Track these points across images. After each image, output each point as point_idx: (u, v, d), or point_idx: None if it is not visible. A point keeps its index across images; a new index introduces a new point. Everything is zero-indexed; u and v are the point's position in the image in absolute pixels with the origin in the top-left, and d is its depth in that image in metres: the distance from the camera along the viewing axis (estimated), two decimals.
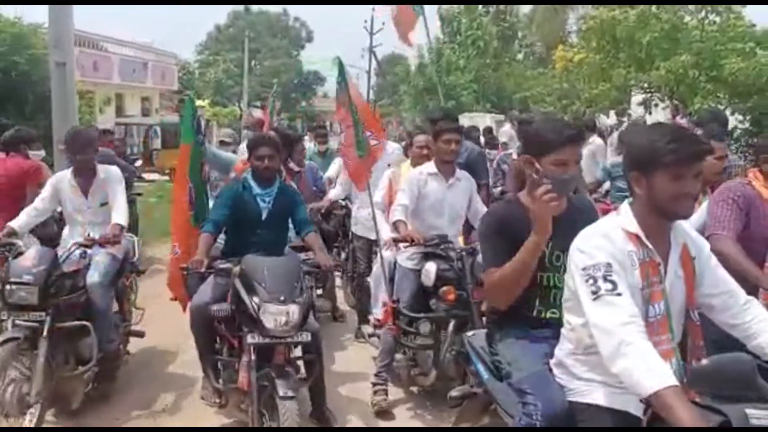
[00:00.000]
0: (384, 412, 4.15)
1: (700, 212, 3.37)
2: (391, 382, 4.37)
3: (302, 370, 3.65)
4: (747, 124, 9.42)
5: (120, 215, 4.05)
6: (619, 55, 9.72)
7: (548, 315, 2.44)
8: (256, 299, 3.26)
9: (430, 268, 4.06)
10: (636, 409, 1.99)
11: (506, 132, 13.49)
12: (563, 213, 2.42)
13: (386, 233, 4.42)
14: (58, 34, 8.48)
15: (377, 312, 4.64)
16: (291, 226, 4.08)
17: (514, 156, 5.67)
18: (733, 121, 8.84)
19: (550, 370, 2.27)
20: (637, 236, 2.02)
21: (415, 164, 4.69)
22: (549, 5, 22.68)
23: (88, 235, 3.98)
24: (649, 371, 1.78)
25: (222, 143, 6.43)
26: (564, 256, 2.32)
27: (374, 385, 4.27)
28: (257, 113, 33.44)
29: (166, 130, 18.83)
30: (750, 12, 10.01)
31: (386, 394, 4.23)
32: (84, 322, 3.76)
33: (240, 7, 50.84)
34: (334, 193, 5.98)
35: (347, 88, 4.47)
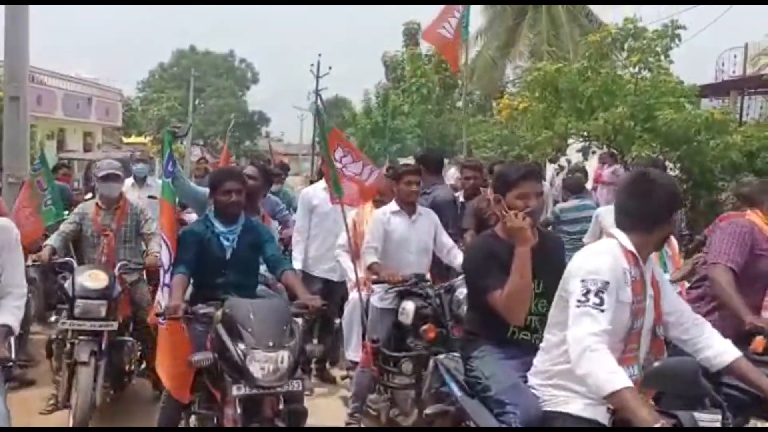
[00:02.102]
0: None
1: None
2: (364, 422, 4.41)
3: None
4: (677, 172, 10.15)
5: (12, 309, 2.76)
6: (561, 105, 10.34)
7: (521, 336, 2.70)
8: (241, 346, 2.97)
9: (409, 306, 4.15)
10: (604, 419, 2.22)
11: (452, 175, 13.97)
12: (535, 245, 2.69)
13: (352, 274, 4.54)
14: (14, 68, 8.52)
15: (351, 354, 4.70)
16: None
17: (461, 199, 6.00)
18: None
19: (525, 381, 2.50)
20: (633, 254, 2.30)
21: (377, 205, 4.85)
22: (488, 57, 23.86)
23: None
24: (610, 374, 2.07)
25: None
26: (535, 283, 2.62)
27: (347, 424, 4.34)
28: (197, 151, 33.23)
29: None
30: (676, 69, 10.88)
31: None
32: None
33: (185, 47, 50.79)
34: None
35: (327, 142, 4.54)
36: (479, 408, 2.65)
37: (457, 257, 4.46)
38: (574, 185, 7.35)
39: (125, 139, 30.38)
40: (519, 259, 2.61)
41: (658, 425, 1.95)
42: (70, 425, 3.85)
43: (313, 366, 5.47)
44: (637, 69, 10.03)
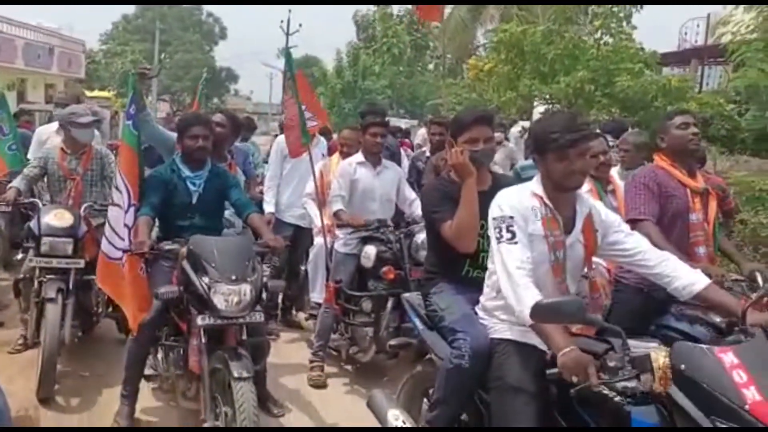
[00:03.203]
0: (320, 386, 4.45)
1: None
2: (326, 361, 4.65)
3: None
4: None
5: None
6: (525, 67, 10.53)
7: (476, 274, 2.90)
8: (206, 279, 3.13)
9: (370, 250, 4.41)
10: (540, 344, 2.43)
11: (421, 135, 14.29)
12: (487, 188, 2.91)
13: (318, 221, 4.73)
14: None
15: (315, 296, 4.90)
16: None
17: (427, 154, 6.24)
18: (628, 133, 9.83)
19: (476, 314, 2.74)
20: (540, 196, 2.54)
21: (344, 156, 5.03)
22: (460, 19, 23.80)
23: None
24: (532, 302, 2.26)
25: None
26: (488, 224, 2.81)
27: (311, 362, 4.58)
28: (164, 106, 32.63)
29: None
30: (638, 35, 11.12)
31: (322, 370, 4.54)
32: None
33: None
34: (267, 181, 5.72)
35: (294, 79, 4.67)
36: (437, 338, 2.87)
37: (418, 208, 4.61)
38: None
39: (88, 93, 29.66)
40: (464, 191, 2.84)
41: (567, 350, 2.16)
42: (39, 363, 3.97)
43: (278, 312, 5.70)
44: (599, 34, 10.22)
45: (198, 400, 3.41)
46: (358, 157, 4.74)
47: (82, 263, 4.22)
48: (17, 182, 4.58)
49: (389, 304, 4.32)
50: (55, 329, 3.92)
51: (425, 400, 3.04)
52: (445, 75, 26.06)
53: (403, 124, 19.72)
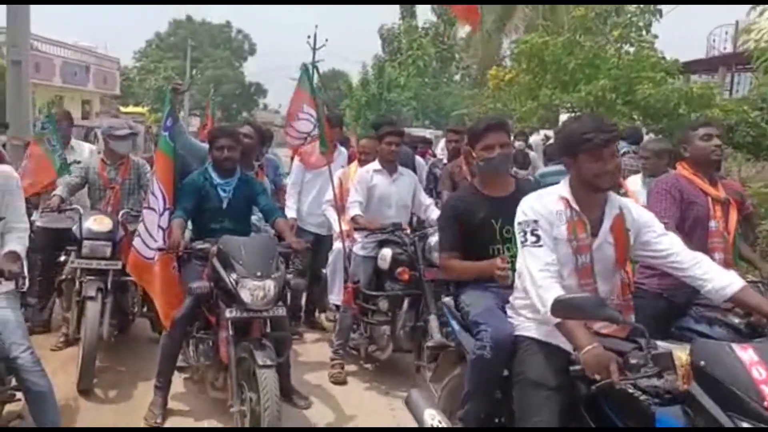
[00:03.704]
0: (340, 382, 4.64)
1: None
2: (346, 359, 4.83)
3: None
4: None
5: (17, 239, 3.21)
6: (546, 76, 10.67)
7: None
8: (234, 275, 3.41)
9: (386, 252, 4.55)
10: (565, 344, 2.46)
11: (441, 146, 14.58)
12: (510, 193, 3.08)
13: (337, 226, 4.89)
14: (16, 33, 8.77)
15: (334, 298, 5.08)
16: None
17: (444, 161, 6.44)
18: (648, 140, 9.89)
19: (505, 312, 2.82)
20: (567, 199, 2.58)
21: (362, 164, 5.21)
22: (485, 31, 23.93)
23: None
24: None
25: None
26: (512, 229, 2.81)
27: (332, 360, 4.77)
28: (195, 121, 33.34)
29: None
30: (666, 44, 11.20)
31: (342, 368, 4.73)
32: None
33: (182, 16, 50.60)
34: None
35: (314, 91, 4.88)
36: (469, 337, 2.95)
37: (433, 212, 4.85)
38: (554, 153, 7.74)
39: (123, 109, 30.60)
40: (482, 270, 2.96)
41: (590, 347, 2.24)
42: (80, 356, 4.26)
43: (302, 314, 5.94)
44: (619, 44, 10.32)
45: (225, 389, 3.69)
46: (375, 164, 4.93)
47: (119, 265, 4.51)
48: (60, 190, 4.91)
49: (405, 304, 4.48)
50: (95, 325, 4.20)
51: None
52: (471, 86, 26.27)
53: (427, 134, 19.96)
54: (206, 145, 4.31)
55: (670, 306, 3.46)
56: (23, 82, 8.78)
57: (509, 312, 2.80)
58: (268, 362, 3.25)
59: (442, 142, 15.69)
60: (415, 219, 5.40)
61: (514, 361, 2.64)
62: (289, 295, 4.27)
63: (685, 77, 14.43)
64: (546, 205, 2.58)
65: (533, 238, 2.52)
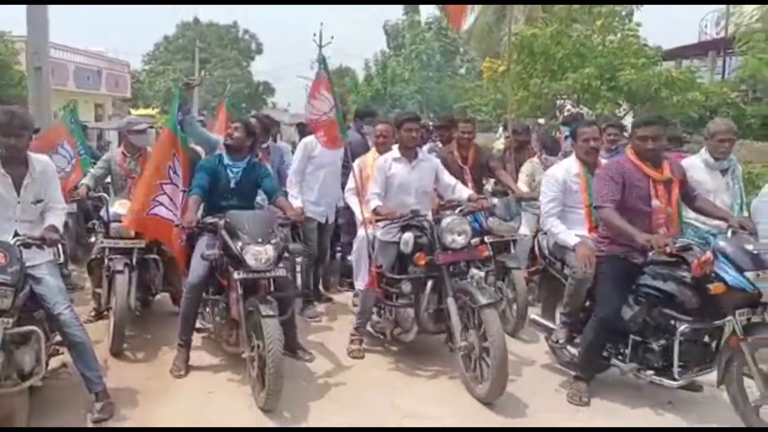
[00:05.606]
0: (358, 358, 4.85)
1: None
2: (364, 341, 5.00)
3: None
4: None
5: (56, 215, 3.83)
6: (536, 66, 11.22)
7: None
8: (239, 243, 3.98)
9: (408, 237, 4.60)
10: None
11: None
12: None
13: (360, 214, 5.10)
14: (36, 41, 9.41)
15: (359, 283, 5.23)
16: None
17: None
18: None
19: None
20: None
21: (379, 149, 5.50)
22: (485, 26, 24.36)
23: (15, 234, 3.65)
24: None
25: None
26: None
27: (352, 335, 4.98)
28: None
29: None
30: (652, 31, 11.70)
31: (361, 344, 4.95)
32: None
33: (189, 18, 51.39)
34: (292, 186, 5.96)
35: (331, 79, 5.18)
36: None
37: (462, 192, 4.99)
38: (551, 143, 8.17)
39: (134, 111, 31.35)
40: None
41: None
42: (112, 323, 4.89)
43: (317, 296, 6.27)
44: (603, 34, 10.85)
45: (238, 344, 4.32)
46: (394, 153, 4.98)
47: (143, 243, 5.15)
48: (87, 180, 5.56)
49: (428, 286, 4.50)
50: (124, 294, 4.83)
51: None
52: (476, 78, 26.71)
53: (430, 124, 20.48)
54: (218, 137, 4.91)
55: (629, 266, 4.01)
56: (44, 87, 9.46)
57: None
58: (271, 313, 3.82)
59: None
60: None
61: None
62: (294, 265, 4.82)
63: (677, 62, 14.89)
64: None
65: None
